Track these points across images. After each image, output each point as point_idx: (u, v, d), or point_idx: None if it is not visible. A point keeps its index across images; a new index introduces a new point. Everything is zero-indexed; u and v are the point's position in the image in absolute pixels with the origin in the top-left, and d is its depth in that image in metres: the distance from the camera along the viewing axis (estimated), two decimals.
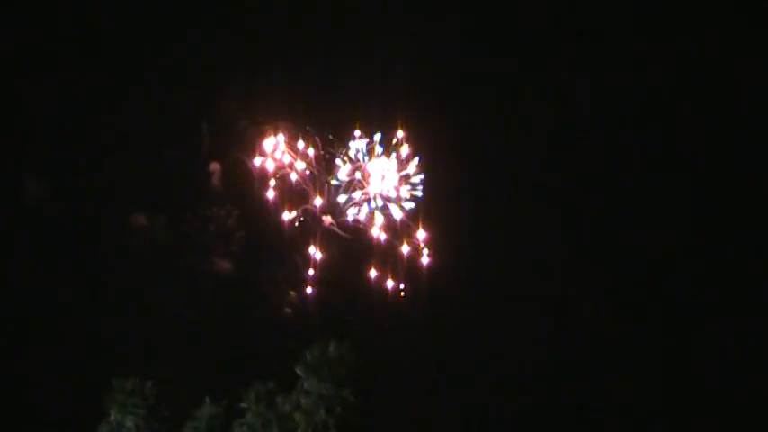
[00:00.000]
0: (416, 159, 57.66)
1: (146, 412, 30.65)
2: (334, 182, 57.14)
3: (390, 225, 56.67)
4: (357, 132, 57.34)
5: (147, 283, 50.05)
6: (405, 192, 57.20)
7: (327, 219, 55.68)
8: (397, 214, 56.98)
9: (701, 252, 50.86)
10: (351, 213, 56.84)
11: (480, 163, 55.68)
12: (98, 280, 49.52)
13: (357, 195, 57.09)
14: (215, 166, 54.63)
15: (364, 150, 57.41)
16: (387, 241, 56.25)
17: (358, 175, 57.05)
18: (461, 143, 55.68)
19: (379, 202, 57.18)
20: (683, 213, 51.86)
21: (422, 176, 57.30)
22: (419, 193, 57.42)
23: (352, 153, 57.60)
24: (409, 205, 57.12)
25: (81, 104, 51.26)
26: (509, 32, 54.75)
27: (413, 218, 56.85)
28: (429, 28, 55.30)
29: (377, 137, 57.95)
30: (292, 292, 54.16)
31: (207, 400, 31.37)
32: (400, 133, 57.78)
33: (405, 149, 57.75)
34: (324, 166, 56.36)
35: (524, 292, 52.17)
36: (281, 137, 56.00)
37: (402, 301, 54.76)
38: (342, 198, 57.22)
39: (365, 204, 57.03)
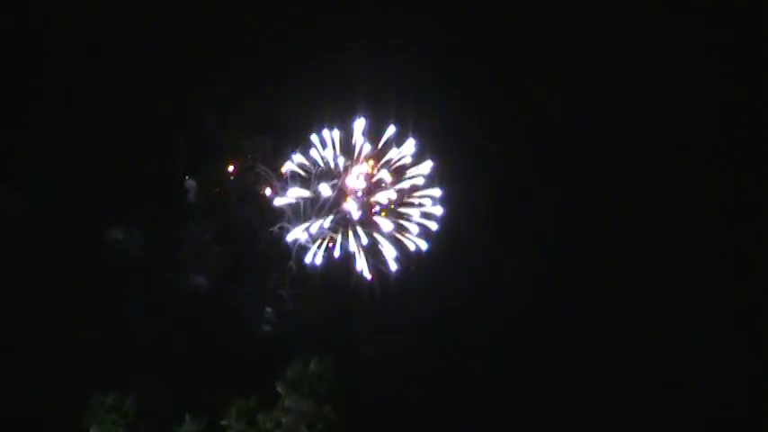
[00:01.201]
0: (428, 164, 37.42)
1: (125, 429, 30.59)
2: (277, 204, 41.93)
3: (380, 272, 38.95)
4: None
5: (127, 300, 49.80)
6: (409, 217, 38.09)
7: (303, 237, 46.13)
8: (395, 261, 37.91)
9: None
10: (315, 253, 41.47)
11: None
12: (78, 296, 49.26)
13: (327, 223, 40.55)
14: (191, 184, 53.40)
15: (337, 148, 38.96)
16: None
17: (325, 189, 40.69)
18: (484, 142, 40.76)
19: (364, 239, 39.11)
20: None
21: (437, 192, 37.59)
22: (434, 225, 37.63)
23: (315, 154, 39.68)
24: (416, 244, 38.10)
25: (60, 119, 51.13)
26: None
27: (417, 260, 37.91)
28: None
29: (358, 124, 37.98)
30: (269, 309, 51.73)
31: (187, 417, 31.36)
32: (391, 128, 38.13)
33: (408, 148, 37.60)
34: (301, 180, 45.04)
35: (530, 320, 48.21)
36: (257, 153, 48.54)
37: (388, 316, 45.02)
38: (295, 234, 41.12)
39: (340, 237, 39.90)
